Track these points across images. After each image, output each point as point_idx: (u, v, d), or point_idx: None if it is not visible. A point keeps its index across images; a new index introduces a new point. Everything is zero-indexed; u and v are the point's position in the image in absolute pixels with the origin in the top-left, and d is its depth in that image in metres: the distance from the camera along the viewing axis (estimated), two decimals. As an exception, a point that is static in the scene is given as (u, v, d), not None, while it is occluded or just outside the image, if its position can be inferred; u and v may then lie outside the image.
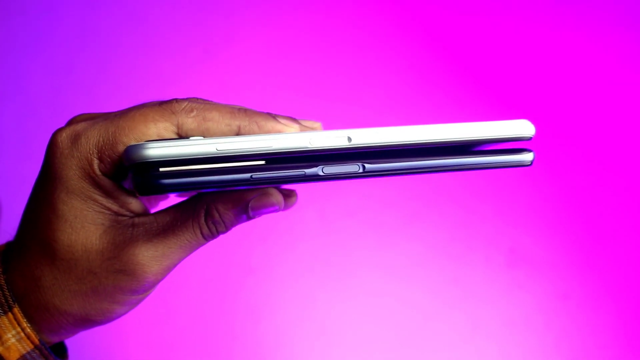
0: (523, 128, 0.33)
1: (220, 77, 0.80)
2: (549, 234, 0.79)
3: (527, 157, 0.34)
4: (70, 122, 0.34)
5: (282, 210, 0.42)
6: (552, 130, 0.81)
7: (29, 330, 0.33)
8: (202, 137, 0.31)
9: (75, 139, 0.31)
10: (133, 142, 0.31)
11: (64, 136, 0.32)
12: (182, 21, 0.79)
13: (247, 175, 0.30)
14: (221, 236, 0.35)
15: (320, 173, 0.31)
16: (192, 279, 0.74)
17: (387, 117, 0.80)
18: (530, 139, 0.33)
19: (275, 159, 0.31)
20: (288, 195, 0.41)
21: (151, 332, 0.73)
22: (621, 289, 0.77)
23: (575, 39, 0.82)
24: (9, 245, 0.35)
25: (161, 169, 0.29)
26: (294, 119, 0.36)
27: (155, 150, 0.29)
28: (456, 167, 0.33)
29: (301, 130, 0.34)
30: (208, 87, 0.79)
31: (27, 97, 0.76)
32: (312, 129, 0.36)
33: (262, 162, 0.31)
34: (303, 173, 0.31)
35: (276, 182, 0.31)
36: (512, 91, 0.82)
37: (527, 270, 0.77)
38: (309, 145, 0.30)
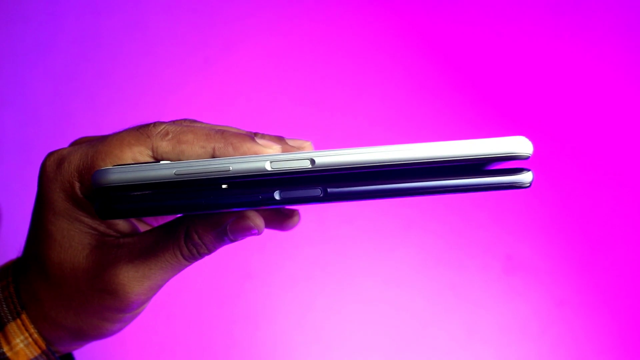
0: (518, 145, 0.29)
1: (220, 85, 0.80)
2: (546, 241, 0.77)
3: (525, 177, 0.30)
4: (70, 145, 0.36)
5: (285, 230, 0.40)
6: (547, 139, 0.78)
7: (36, 335, 0.36)
8: (168, 161, 0.31)
9: (60, 162, 0.33)
10: (109, 166, 0.31)
11: (51, 160, 0.33)
12: (183, 29, 0.80)
13: (201, 200, 0.29)
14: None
15: (277, 197, 0.29)
16: (189, 285, 0.75)
17: (385, 129, 0.79)
18: (527, 157, 0.29)
19: (235, 183, 0.30)
20: (289, 215, 0.40)
21: (147, 337, 0.74)
22: (617, 296, 0.76)
23: (576, 58, 0.79)
24: (17, 260, 0.37)
25: (115, 194, 0.29)
26: (279, 139, 0.34)
27: (114, 175, 0.29)
28: (437, 190, 0.30)
29: (284, 151, 0.33)
30: (208, 95, 0.79)
31: (28, 103, 0.78)
32: (300, 149, 0.35)
33: (225, 186, 0.30)
34: (258, 198, 0.29)
35: (231, 206, 0.29)
36: (508, 108, 0.79)
37: (524, 277, 0.76)
38: (269, 168, 0.29)
